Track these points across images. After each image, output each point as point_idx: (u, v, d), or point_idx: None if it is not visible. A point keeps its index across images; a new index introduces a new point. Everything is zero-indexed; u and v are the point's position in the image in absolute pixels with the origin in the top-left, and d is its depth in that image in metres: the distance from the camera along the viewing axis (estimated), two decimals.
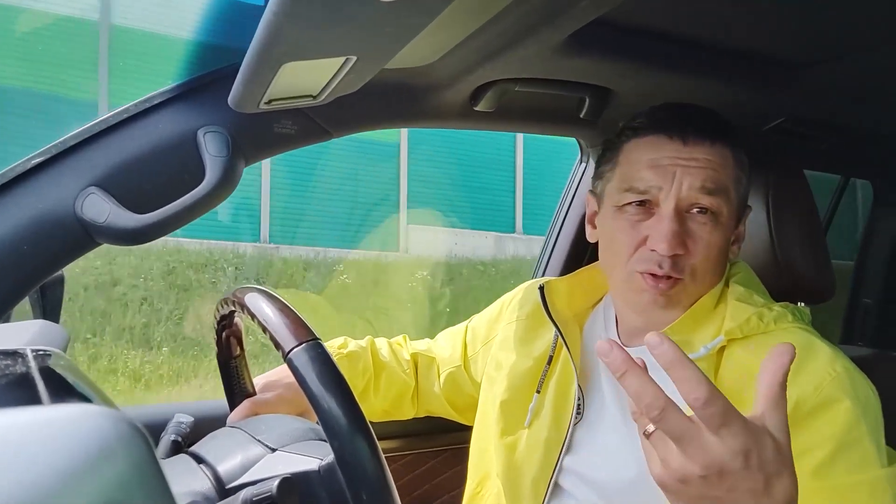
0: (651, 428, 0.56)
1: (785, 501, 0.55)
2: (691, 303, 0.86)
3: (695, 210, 0.83)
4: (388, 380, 1.11)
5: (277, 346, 0.63)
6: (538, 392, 0.95)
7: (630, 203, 0.85)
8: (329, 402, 0.58)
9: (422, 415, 1.19)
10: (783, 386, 0.56)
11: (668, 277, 0.82)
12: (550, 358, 0.96)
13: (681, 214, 0.82)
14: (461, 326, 1.18)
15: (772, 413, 0.56)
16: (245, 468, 0.64)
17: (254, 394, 0.92)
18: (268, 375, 1.00)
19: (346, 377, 0.62)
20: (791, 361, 0.56)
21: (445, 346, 1.17)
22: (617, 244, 0.87)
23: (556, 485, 0.90)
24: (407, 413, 1.16)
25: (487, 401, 1.03)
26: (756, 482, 0.54)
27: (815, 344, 0.79)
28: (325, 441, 0.62)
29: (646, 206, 0.84)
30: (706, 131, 0.84)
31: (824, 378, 0.74)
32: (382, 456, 0.58)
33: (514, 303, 1.09)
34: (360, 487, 0.57)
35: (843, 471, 0.71)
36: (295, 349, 0.62)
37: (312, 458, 0.62)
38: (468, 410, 1.12)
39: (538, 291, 0.97)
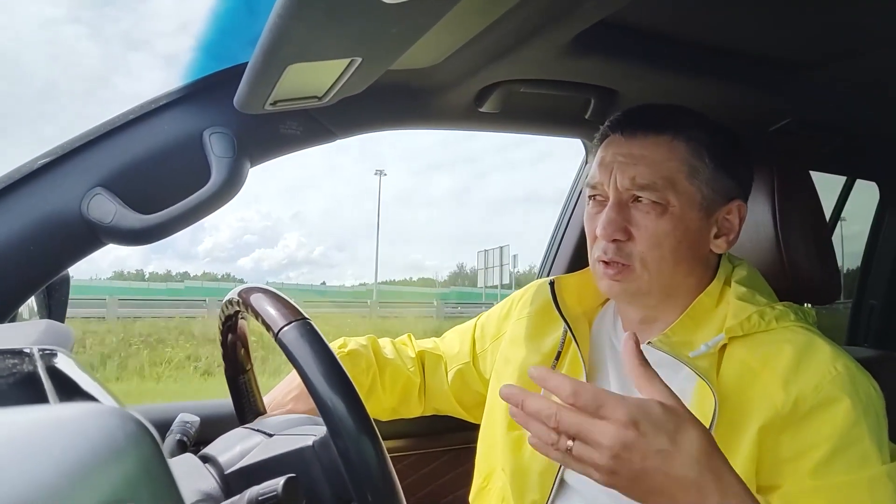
0: (570, 443, 0.61)
1: (699, 451, 0.60)
2: (651, 291, 0.87)
3: (639, 200, 0.85)
4: (393, 377, 1.11)
5: (268, 328, 0.65)
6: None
7: (591, 197, 0.91)
8: (319, 376, 0.59)
9: (429, 413, 1.19)
10: (643, 362, 0.66)
11: (616, 263, 0.85)
12: (559, 354, 0.97)
13: (623, 204, 0.85)
14: (470, 324, 1.18)
15: (649, 385, 0.64)
16: (243, 454, 0.65)
17: (264, 411, 0.92)
18: (273, 392, 1.01)
19: (350, 376, 0.62)
20: (636, 344, 0.67)
21: (454, 343, 1.17)
22: (587, 236, 0.92)
23: (562, 480, 0.91)
24: (415, 410, 1.16)
25: (495, 396, 1.03)
26: (660, 442, 0.59)
27: (817, 343, 0.78)
28: (320, 425, 0.63)
29: (599, 199, 0.89)
30: (649, 125, 0.87)
31: (824, 377, 0.74)
32: (375, 428, 0.59)
33: (524, 299, 1.09)
34: (358, 464, 0.57)
35: (841, 470, 0.71)
36: (284, 328, 0.63)
37: (307, 436, 0.64)
38: (476, 408, 1.12)
39: (548, 287, 0.99)
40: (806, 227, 1.03)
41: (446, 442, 1.34)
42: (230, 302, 0.77)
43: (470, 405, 1.15)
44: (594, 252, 0.88)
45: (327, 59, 0.73)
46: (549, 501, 0.90)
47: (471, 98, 1.05)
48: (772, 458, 0.74)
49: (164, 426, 0.81)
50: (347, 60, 0.74)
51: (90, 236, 0.83)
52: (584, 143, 1.41)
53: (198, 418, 0.82)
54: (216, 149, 0.88)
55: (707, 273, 0.90)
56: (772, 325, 0.80)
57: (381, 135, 1.10)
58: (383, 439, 0.59)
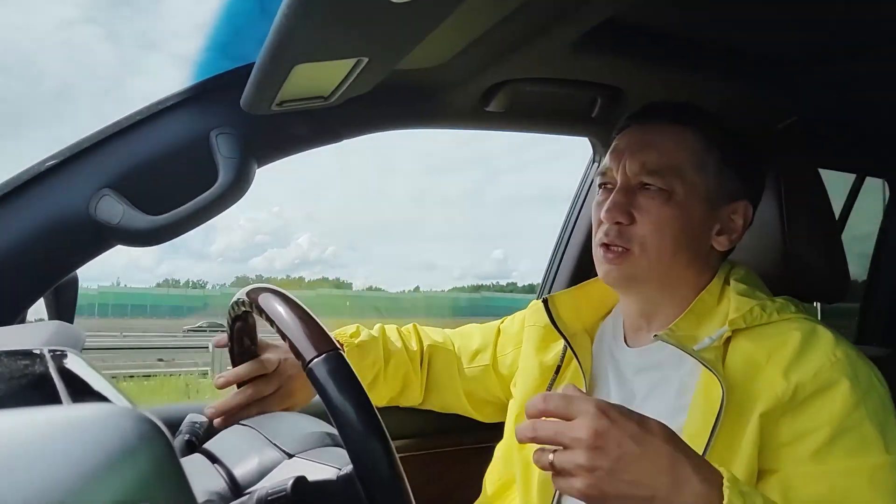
0: (551, 456, 0.63)
1: (666, 433, 0.64)
2: (649, 278, 0.87)
3: (646, 188, 0.86)
4: (395, 368, 1.10)
5: (297, 355, 0.62)
6: None
7: (600, 186, 0.92)
8: (350, 414, 0.57)
9: (437, 409, 1.17)
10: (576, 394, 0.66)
11: (617, 248, 0.86)
12: (559, 368, 0.97)
13: (630, 189, 0.87)
14: (493, 325, 1.17)
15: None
16: (262, 474, 0.64)
17: (258, 353, 0.91)
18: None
19: (356, 368, 0.62)
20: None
21: (473, 340, 1.16)
22: (593, 224, 0.92)
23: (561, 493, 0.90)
24: (413, 399, 1.15)
25: (516, 404, 1.04)
26: (631, 427, 0.62)
27: (818, 330, 0.78)
28: (342, 447, 0.61)
29: (608, 187, 0.90)
30: (664, 116, 0.89)
31: (824, 363, 0.74)
32: (402, 469, 0.57)
33: (529, 315, 1.09)
34: (378, 501, 0.56)
35: (842, 454, 0.71)
36: (315, 360, 0.60)
37: (330, 466, 0.62)
38: (486, 406, 1.13)
39: (543, 306, 0.98)
40: (814, 226, 1.02)
41: (455, 442, 1.34)
42: (240, 303, 0.77)
43: (480, 404, 1.14)
44: (597, 236, 0.89)
45: (334, 59, 0.73)
46: None
47: (477, 97, 1.05)
48: (772, 443, 0.74)
49: (173, 426, 0.81)
50: (354, 60, 0.74)
51: (98, 237, 0.84)
52: (591, 142, 1.41)
53: (206, 419, 0.82)
54: (223, 149, 0.88)
55: (706, 271, 0.90)
56: (773, 317, 0.81)
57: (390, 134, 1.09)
58: (392, 439, 0.59)
